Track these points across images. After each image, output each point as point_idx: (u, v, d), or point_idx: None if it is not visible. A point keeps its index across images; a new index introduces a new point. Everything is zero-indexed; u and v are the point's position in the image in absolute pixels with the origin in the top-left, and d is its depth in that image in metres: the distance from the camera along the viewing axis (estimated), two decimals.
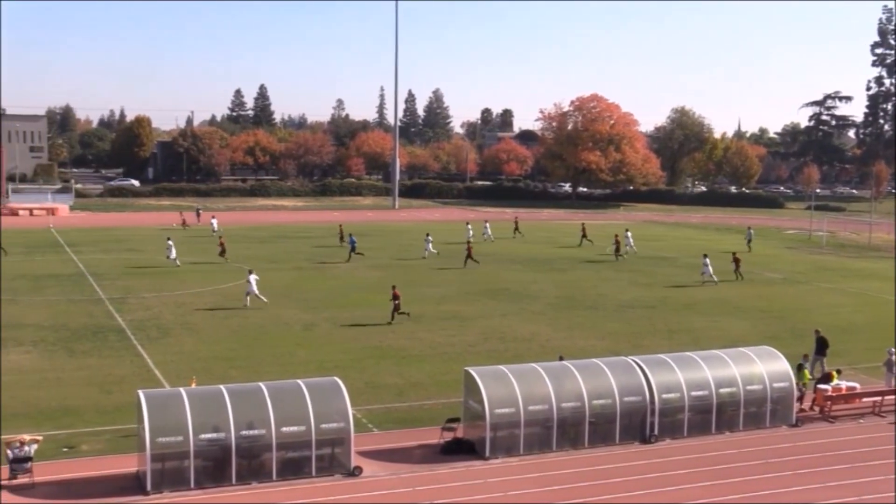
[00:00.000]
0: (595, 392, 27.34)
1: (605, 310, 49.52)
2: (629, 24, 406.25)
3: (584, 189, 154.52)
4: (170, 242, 64.38)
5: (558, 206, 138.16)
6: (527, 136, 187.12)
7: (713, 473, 25.31)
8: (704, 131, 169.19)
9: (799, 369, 31.65)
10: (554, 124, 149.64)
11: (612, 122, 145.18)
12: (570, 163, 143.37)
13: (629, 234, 76.91)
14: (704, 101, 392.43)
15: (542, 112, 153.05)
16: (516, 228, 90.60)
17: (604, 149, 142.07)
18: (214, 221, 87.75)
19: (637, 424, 27.85)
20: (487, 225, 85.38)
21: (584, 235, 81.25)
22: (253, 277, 48.73)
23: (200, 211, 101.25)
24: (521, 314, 47.74)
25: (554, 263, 68.32)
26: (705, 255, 60.22)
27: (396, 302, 44.41)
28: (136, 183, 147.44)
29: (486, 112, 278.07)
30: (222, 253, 65.81)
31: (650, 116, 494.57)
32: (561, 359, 31.26)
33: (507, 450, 26.38)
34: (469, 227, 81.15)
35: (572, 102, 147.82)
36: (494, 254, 73.20)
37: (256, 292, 48.42)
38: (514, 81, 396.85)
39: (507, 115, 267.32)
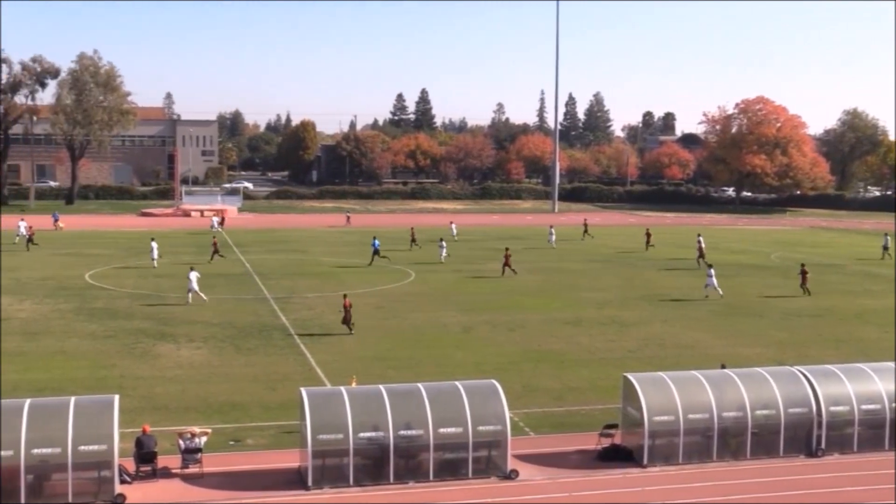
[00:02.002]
0: (758, 402, 26.52)
1: (769, 317, 48.07)
2: (795, 24, 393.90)
3: (749, 193, 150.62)
4: (153, 244, 65.49)
5: (721, 211, 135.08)
6: (689, 140, 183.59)
7: (887, 493, 24.12)
8: (878, 133, 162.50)
9: None
10: (718, 127, 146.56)
11: (778, 124, 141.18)
12: (734, 167, 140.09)
13: (701, 238, 74.49)
14: (878, 103, 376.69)
15: (705, 115, 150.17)
16: (585, 231, 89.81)
17: (770, 152, 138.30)
18: (215, 220, 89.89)
19: (803, 437, 26.87)
20: (552, 230, 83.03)
21: (649, 241, 79.09)
22: (193, 274, 49.69)
23: (350, 216, 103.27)
24: (682, 320, 46.83)
25: (717, 269, 66.57)
26: (710, 266, 56.28)
27: (345, 313, 41.93)
28: (249, 185, 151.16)
29: (648, 115, 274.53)
30: (214, 254, 67.07)
31: (819, 119, 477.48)
32: (723, 367, 30.45)
33: (665, 458, 25.89)
34: (453, 225, 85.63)
35: (737, 105, 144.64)
36: (654, 259, 72.12)
37: (196, 289, 49.27)
38: (677, 84, 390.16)
39: (669, 119, 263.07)
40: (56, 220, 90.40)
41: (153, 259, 63.48)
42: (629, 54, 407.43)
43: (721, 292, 53.36)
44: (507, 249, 62.82)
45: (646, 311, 49.16)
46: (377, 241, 67.60)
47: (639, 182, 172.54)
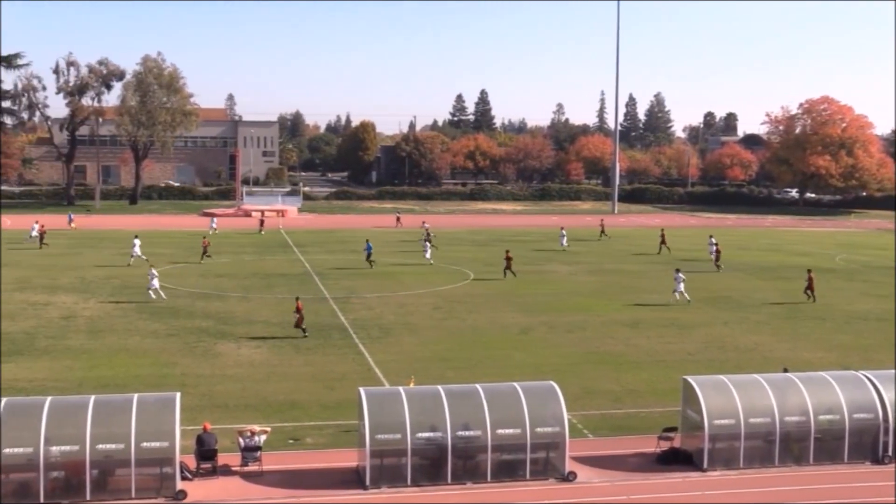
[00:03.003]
0: (822, 407, 26.09)
1: (832, 321, 47.32)
2: (859, 23, 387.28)
3: (812, 195, 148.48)
4: (136, 241, 66.11)
5: (784, 213, 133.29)
6: (752, 141, 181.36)
7: None
8: None
9: None
10: (781, 128, 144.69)
11: (844, 125, 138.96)
12: (798, 168, 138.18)
13: (713, 239, 73.65)
14: None
15: (768, 115, 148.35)
16: (602, 231, 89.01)
17: (834, 153, 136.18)
18: (214, 221, 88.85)
19: (868, 443, 26.37)
20: (564, 232, 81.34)
21: (663, 242, 76.75)
22: (153, 272, 50.59)
23: (399, 217, 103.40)
24: (743, 323, 46.27)
25: (779, 271, 65.89)
26: (678, 270, 52.99)
27: (298, 316, 41.17)
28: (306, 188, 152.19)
29: (709, 116, 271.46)
30: (203, 254, 67.20)
31: (887, 119, 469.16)
32: (785, 371, 30.05)
33: (725, 462, 25.59)
34: (426, 225, 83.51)
35: (801, 105, 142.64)
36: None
37: (157, 287, 49.99)
38: (739, 84, 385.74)
39: (730, 119, 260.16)
40: (70, 221, 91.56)
41: (132, 257, 64.64)
42: (691, 54, 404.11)
43: (689, 298, 51.17)
44: (507, 251, 61.68)
45: (706, 313, 48.65)
46: (370, 245, 66.27)
47: (700, 183, 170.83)
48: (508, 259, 60.34)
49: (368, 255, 65.16)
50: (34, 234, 76.17)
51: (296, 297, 43.67)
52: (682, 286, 51.30)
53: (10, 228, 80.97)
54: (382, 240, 79.07)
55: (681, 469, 25.44)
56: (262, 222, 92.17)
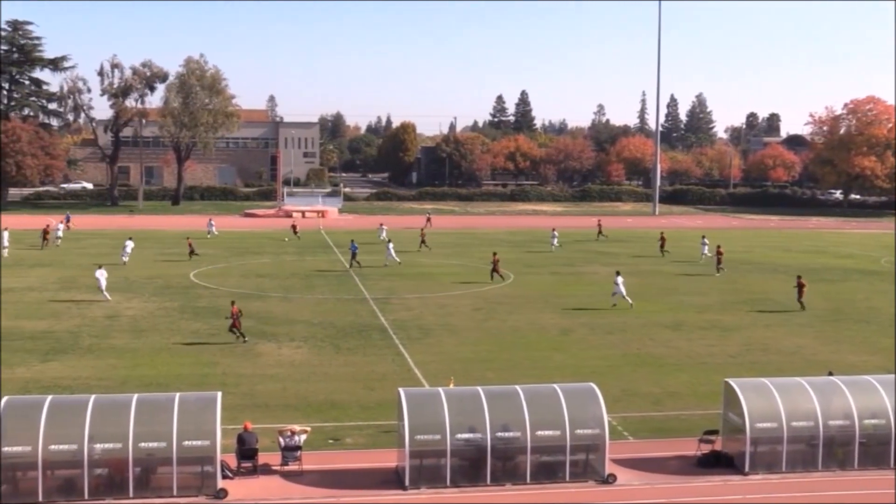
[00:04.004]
0: (867, 411, 25.76)
1: (877, 324, 46.73)
2: None
3: (857, 196, 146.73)
4: (129, 243, 66.26)
5: (828, 214, 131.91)
6: (795, 141, 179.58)
7: None
8: None
9: None
10: (825, 128, 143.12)
11: (890, 125, 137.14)
12: (842, 169, 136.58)
13: (705, 240, 72.92)
14: None
15: (812, 116, 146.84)
16: (600, 232, 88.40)
17: (880, 154, 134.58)
18: (213, 225, 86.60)
19: None
20: (555, 233, 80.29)
21: (663, 245, 75.26)
22: (101, 273, 50.02)
23: (430, 217, 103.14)
24: (785, 325, 45.83)
25: (822, 273, 65.20)
26: (618, 273, 51.13)
27: (233, 320, 39.94)
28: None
29: (752, 116, 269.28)
30: (191, 253, 67.26)
31: None
32: (830, 374, 29.71)
33: (767, 466, 25.35)
34: (383, 227, 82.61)
35: (846, 105, 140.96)
36: (758, 262, 70.86)
37: (103, 287, 49.65)
38: (782, 84, 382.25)
39: (773, 120, 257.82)
40: (68, 221, 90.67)
41: (124, 257, 64.89)
42: (733, 54, 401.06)
43: (630, 301, 49.43)
44: (494, 254, 60.54)
45: (748, 315, 48.24)
46: (355, 245, 65.51)
47: (742, 184, 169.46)
48: (495, 262, 59.19)
49: (353, 256, 64.33)
50: (60, 233, 77.12)
51: (231, 301, 42.17)
52: (622, 289, 49.59)
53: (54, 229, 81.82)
54: (427, 241, 78.83)
55: (722, 472, 25.25)
56: (294, 227, 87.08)
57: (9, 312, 45.83)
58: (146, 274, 60.12)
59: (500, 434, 24.10)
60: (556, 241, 78.79)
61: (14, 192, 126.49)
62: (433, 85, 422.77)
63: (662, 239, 76.05)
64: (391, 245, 67.16)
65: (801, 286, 50.28)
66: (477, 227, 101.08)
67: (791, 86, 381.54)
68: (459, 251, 75.29)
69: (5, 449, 22.42)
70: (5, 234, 68.63)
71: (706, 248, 72.00)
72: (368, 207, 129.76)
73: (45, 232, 76.32)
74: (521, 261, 69.78)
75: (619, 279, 50.01)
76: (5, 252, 66.91)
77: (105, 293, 49.89)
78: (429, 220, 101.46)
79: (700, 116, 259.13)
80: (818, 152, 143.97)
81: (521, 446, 24.13)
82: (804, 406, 25.56)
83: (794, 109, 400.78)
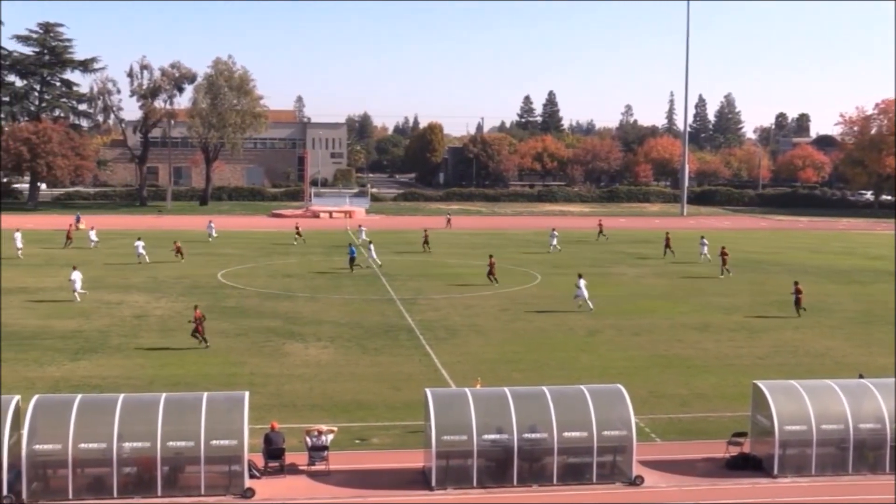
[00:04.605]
0: None
1: None
2: None
3: (888, 197, 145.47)
4: (138, 243, 66.40)
5: (858, 215, 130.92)
6: (825, 142, 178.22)
7: None
8: None
9: None
10: (855, 128, 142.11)
11: None
12: (873, 169, 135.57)
13: (705, 240, 72.25)
14: None
15: (842, 116, 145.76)
16: (601, 232, 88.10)
17: None
18: (213, 227, 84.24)
19: None
20: (555, 233, 79.30)
21: (668, 245, 74.32)
22: (76, 274, 49.85)
23: (450, 218, 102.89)
24: (815, 328, 45.47)
25: (853, 275, 64.68)
26: (580, 276, 50.25)
27: (197, 324, 38.79)
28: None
29: (781, 117, 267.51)
30: (177, 253, 67.09)
31: None
32: (861, 377, 29.44)
33: (797, 469, 25.14)
34: (362, 228, 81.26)
35: (877, 105, 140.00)
36: (787, 264, 70.41)
37: (78, 288, 49.38)
38: (812, 84, 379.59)
39: (803, 120, 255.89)
40: (77, 221, 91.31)
41: (139, 255, 65.31)
42: (762, 54, 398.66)
43: (591, 306, 48.52)
44: (491, 257, 59.92)
45: (777, 317, 47.88)
46: (353, 249, 64.64)
47: (771, 185, 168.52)
48: (491, 265, 58.35)
49: (352, 260, 63.21)
50: (93, 235, 77.34)
51: (194, 306, 40.71)
52: (584, 293, 48.71)
53: (87, 229, 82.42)
54: (454, 241, 79.28)
55: (750, 475, 25.08)
56: (297, 229, 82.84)
57: (39, 312, 46.24)
58: (174, 274, 60.46)
59: (526, 435, 24.05)
60: (555, 241, 77.86)
61: (45, 192, 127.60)
62: (460, 85, 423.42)
63: (667, 239, 75.29)
64: (372, 246, 66.61)
65: (798, 292, 48.46)
66: (504, 227, 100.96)
67: (821, 86, 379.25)
68: (487, 252, 75.08)
69: (36, 446, 22.63)
70: (18, 236, 68.90)
71: (705, 248, 71.46)
72: (395, 208, 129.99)
73: (69, 232, 77.12)
74: (549, 261, 69.66)
75: (582, 282, 49.20)
76: (20, 253, 67.15)
77: (77, 294, 49.49)
78: (449, 220, 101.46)
79: (729, 117, 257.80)
80: (848, 153, 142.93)
81: (548, 447, 24.06)
82: (834, 408, 25.32)
83: (824, 109, 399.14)
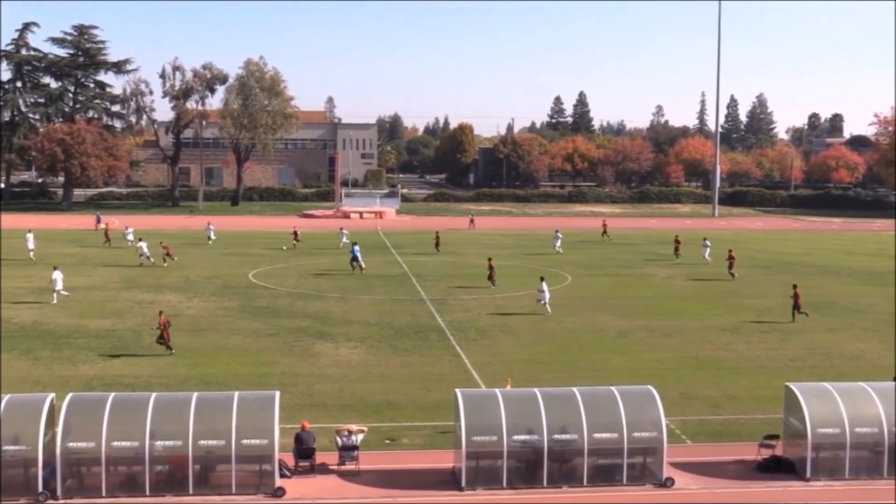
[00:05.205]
0: None
1: None
2: None
3: None
4: (141, 244, 66.06)
5: (892, 216, 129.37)
6: (858, 142, 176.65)
7: None
8: None
9: None
10: (890, 128, 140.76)
11: None
12: None
13: (707, 242, 71.70)
14: None
15: (876, 116, 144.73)
16: (604, 232, 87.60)
17: None
18: (211, 229, 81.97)
19: None
20: (559, 234, 78.12)
21: (677, 249, 73.20)
22: (57, 273, 49.33)
23: (473, 218, 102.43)
24: (849, 330, 45.09)
25: (887, 277, 63.99)
26: (542, 279, 49.39)
27: (162, 330, 37.57)
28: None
29: (814, 117, 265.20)
30: (166, 256, 65.26)
31: None
32: (895, 380, 29.14)
33: (830, 472, 24.94)
34: (343, 231, 78.86)
35: None
36: (820, 265, 69.88)
37: (59, 289, 48.95)
38: (845, 84, 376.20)
39: (836, 120, 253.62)
40: (98, 221, 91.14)
41: (141, 256, 64.90)
42: (794, 54, 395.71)
43: (549, 310, 47.51)
44: (490, 260, 59.04)
45: (809, 319, 47.41)
46: (356, 248, 63.04)
47: (803, 186, 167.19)
48: (490, 267, 57.43)
49: (353, 259, 62.10)
50: (130, 235, 77.87)
51: (159, 312, 39.64)
52: (546, 296, 47.91)
53: (116, 228, 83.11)
54: (484, 242, 79.20)
55: (782, 478, 24.92)
56: (295, 234, 79.10)
57: (74, 310, 46.69)
58: (206, 274, 60.83)
59: (556, 436, 24.02)
60: (559, 243, 76.57)
61: (78, 193, 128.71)
62: (491, 86, 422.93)
63: (677, 241, 74.28)
64: (357, 248, 64.21)
65: (796, 297, 46.95)
66: (534, 228, 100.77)
67: (855, 85, 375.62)
68: (517, 252, 75.12)
69: (70, 444, 22.86)
70: (30, 237, 69.02)
71: (707, 250, 70.86)
72: (426, 208, 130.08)
73: (106, 231, 77.72)
74: (579, 262, 69.49)
75: (544, 285, 48.47)
76: (31, 255, 67.17)
77: (55, 295, 49.09)
78: (472, 221, 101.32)
79: (761, 117, 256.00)
80: (883, 153, 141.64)
81: (578, 448, 24.02)
82: (868, 412, 25.10)
83: (857, 109, 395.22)
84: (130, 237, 77.19)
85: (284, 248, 76.43)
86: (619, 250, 78.14)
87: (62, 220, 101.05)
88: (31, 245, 68.35)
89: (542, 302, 47.90)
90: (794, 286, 47.95)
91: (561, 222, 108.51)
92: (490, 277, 56.75)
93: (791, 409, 25.89)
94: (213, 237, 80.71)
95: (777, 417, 27.56)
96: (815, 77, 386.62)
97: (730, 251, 64.08)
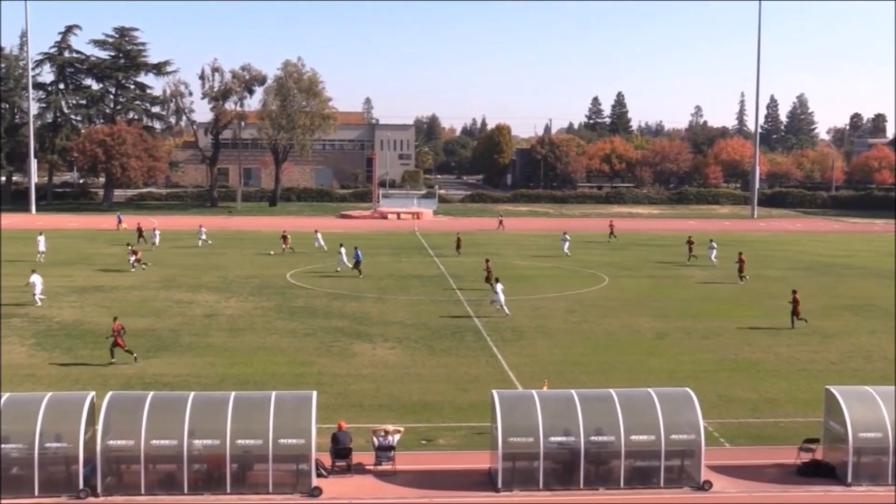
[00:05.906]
0: None
1: None
2: None
3: None
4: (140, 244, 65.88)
5: None
6: None
7: None
8: None
9: None
10: None
11: None
12: None
13: (713, 243, 70.94)
14: None
15: None
16: (611, 233, 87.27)
17: None
18: (202, 230, 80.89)
19: None
20: (567, 236, 76.68)
21: (691, 250, 72.22)
22: (35, 277, 48.95)
23: (502, 219, 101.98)
24: (890, 332, 44.45)
25: None
26: (497, 280, 48.91)
27: (115, 336, 36.19)
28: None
29: (856, 117, 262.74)
30: (136, 262, 62.64)
31: None
32: None
33: (872, 478, 24.58)
34: (318, 234, 77.12)
35: None
36: (862, 267, 69.09)
37: (37, 292, 48.59)
38: (888, 84, 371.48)
39: (879, 120, 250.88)
40: (119, 222, 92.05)
41: (146, 251, 65.32)
42: (835, 53, 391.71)
43: (507, 312, 46.72)
44: (487, 261, 58.69)
45: (850, 321, 46.99)
46: (359, 252, 62.15)
47: (845, 187, 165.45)
48: (489, 269, 56.84)
49: (357, 263, 61.29)
50: (123, 226, 78.22)
51: (114, 318, 37.85)
52: (501, 297, 47.07)
53: (164, 228, 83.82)
54: (521, 243, 79.01)
55: (822, 482, 24.62)
56: (284, 238, 75.58)
57: (113, 310, 47.01)
58: (243, 274, 61.21)
59: (593, 438, 23.91)
60: (567, 245, 75.23)
61: (119, 193, 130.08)
62: (528, 87, 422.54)
63: (690, 242, 73.34)
64: (343, 250, 64.22)
65: (796, 302, 45.73)
66: (571, 229, 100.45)
67: None
68: (555, 253, 74.89)
69: (110, 442, 23.09)
70: (41, 239, 69.14)
71: (713, 252, 70.16)
72: (463, 209, 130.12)
73: (140, 232, 78.51)
74: (616, 263, 69.21)
75: (499, 287, 47.81)
76: (40, 257, 66.61)
77: (37, 298, 48.77)
78: (501, 222, 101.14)
79: (801, 117, 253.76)
80: None
81: (615, 451, 23.90)
82: None
83: None
84: (157, 240, 77.56)
85: (272, 252, 74.02)
86: (657, 252, 77.68)
87: (103, 221, 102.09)
88: (41, 247, 68.09)
89: (497, 304, 47.22)
90: (794, 291, 47.13)
91: (599, 223, 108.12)
92: (488, 279, 55.28)
93: (831, 413, 25.59)
94: (204, 238, 79.61)
95: (817, 421, 27.25)
96: (857, 77, 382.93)
97: (740, 254, 63.41)
